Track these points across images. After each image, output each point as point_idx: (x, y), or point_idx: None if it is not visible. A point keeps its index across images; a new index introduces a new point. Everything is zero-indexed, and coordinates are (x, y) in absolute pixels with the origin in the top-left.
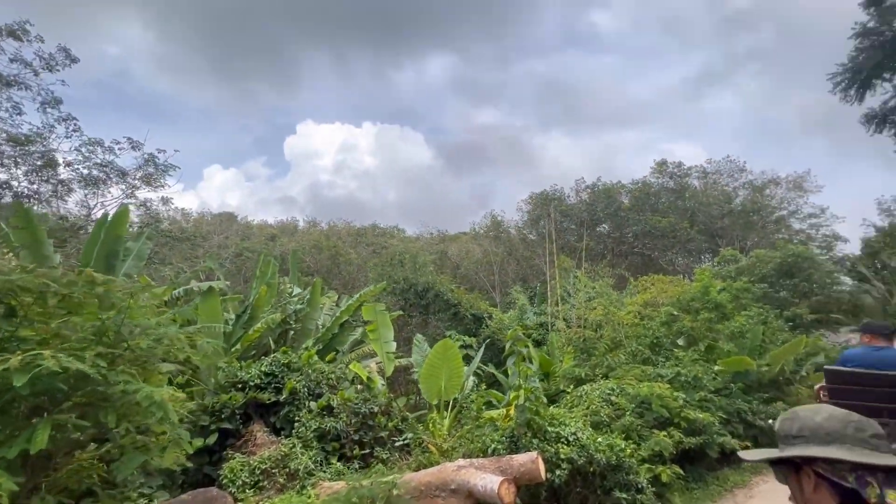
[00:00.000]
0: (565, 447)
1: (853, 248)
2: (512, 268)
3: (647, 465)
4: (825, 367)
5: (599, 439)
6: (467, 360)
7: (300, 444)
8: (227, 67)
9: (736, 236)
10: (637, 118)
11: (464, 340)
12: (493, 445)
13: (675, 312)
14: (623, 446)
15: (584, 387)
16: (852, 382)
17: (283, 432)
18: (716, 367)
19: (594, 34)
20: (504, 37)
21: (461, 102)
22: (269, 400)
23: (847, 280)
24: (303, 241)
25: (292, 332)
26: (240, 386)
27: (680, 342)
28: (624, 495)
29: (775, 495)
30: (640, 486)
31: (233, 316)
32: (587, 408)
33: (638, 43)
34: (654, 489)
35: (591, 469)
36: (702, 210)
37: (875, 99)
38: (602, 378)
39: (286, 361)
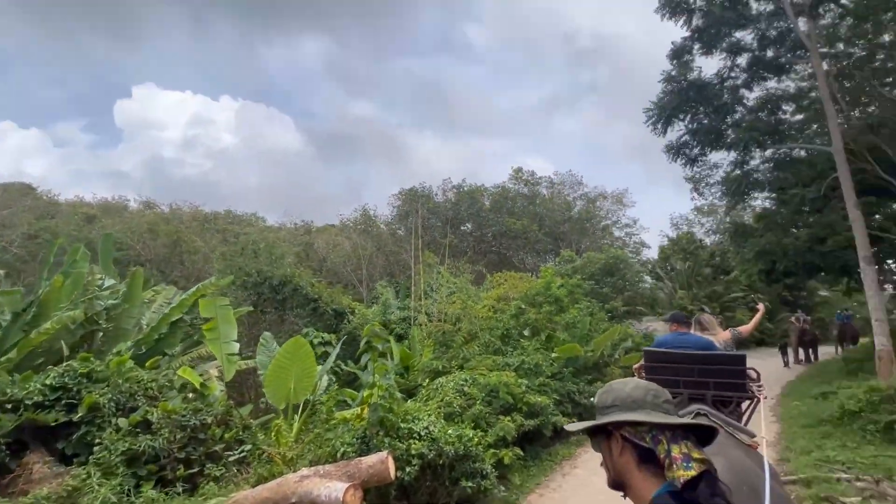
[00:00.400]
0: (417, 443)
1: (653, 253)
2: (381, 262)
3: (492, 451)
4: (644, 348)
5: (450, 431)
6: (326, 358)
7: (99, 473)
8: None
9: (574, 240)
10: (501, 129)
11: (322, 337)
12: (343, 449)
13: (523, 306)
14: (471, 435)
15: (440, 379)
16: (662, 360)
17: (75, 460)
18: (553, 355)
19: (467, 45)
20: (382, 30)
21: (336, 90)
22: (54, 421)
23: (648, 279)
24: (132, 225)
25: (101, 334)
26: (9, 406)
27: (526, 333)
28: (470, 483)
29: (594, 463)
30: (484, 473)
31: (7, 315)
32: (441, 400)
33: (504, 59)
34: (497, 472)
35: (441, 462)
36: (548, 216)
37: (674, 134)
38: (458, 369)
39: (85, 371)
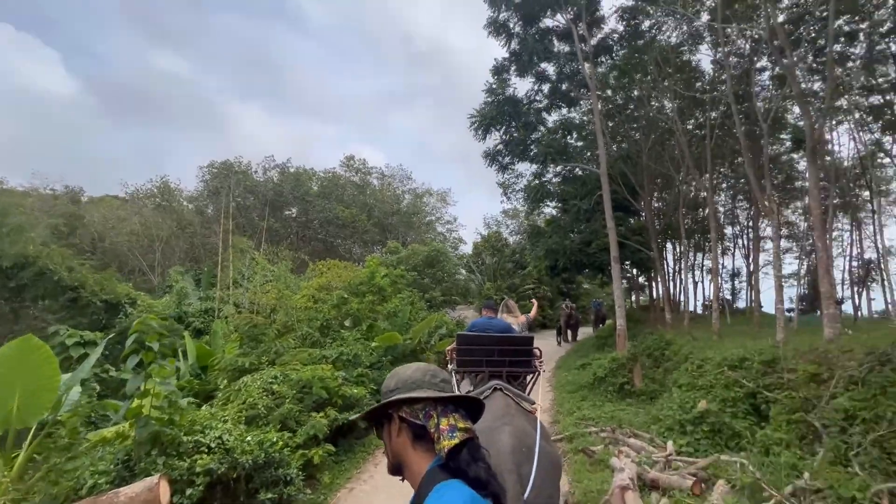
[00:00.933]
0: (205, 457)
1: (469, 248)
2: (182, 246)
3: (301, 452)
4: (457, 332)
5: (249, 438)
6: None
7: None
8: None
9: (401, 232)
10: (335, 114)
11: (82, 337)
12: (93, 481)
13: (346, 295)
14: (275, 440)
15: (245, 378)
16: (470, 342)
17: None
18: (373, 344)
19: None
20: None
21: (135, 35)
22: None
23: (463, 272)
24: None
25: None
26: None
27: (347, 323)
28: (270, 494)
29: None
30: (289, 479)
31: None
32: (244, 402)
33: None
34: (305, 473)
35: (235, 475)
36: (378, 206)
37: (491, 142)
38: (268, 366)
39: None
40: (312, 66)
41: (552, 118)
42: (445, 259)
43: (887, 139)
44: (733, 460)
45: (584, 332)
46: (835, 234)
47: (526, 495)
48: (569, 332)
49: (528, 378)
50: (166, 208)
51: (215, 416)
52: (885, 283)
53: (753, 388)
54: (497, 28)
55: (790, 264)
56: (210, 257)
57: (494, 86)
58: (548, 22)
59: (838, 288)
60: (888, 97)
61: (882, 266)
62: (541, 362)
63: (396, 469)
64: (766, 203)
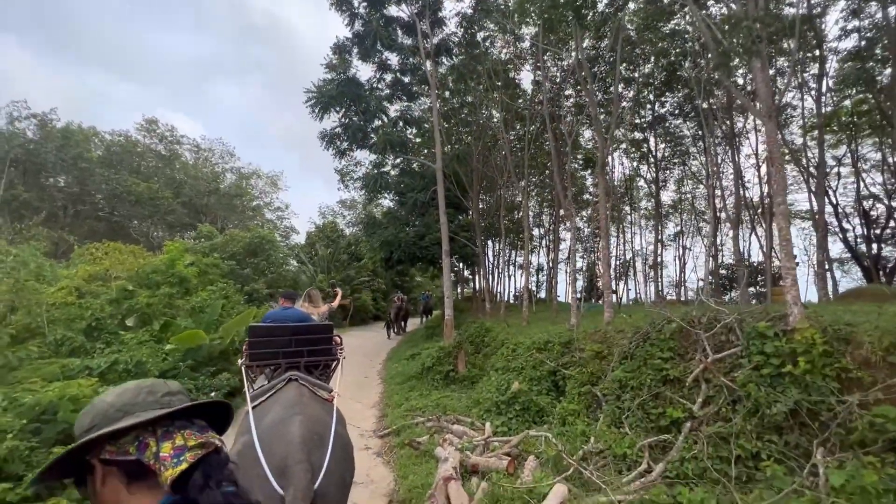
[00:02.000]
0: None
1: (302, 238)
2: None
3: None
4: (250, 325)
5: None
6: None
7: None
8: None
9: (220, 216)
10: (139, 74)
11: None
12: None
13: (131, 287)
14: None
15: None
16: (264, 335)
17: None
18: (167, 346)
19: None
20: None
21: None
22: None
23: (294, 263)
24: None
25: None
26: None
27: (130, 322)
28: None
29: None
30: None
31: None
32: None
33: None
34: None
35: None
36: (190, 184)
37: (329, 123)
38: None
39: None
40: (112, 8)
41: (393, 108)
42: (272, 247)
43: (643, 167)
44: (539, 434)
45: (414, 322)
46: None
47: (317, 484)
48: (400, 324)
49: (332, 366)
50: None
51: None
52: (635, 277)
53: (554, 367)
54: (341, 1)
55: (577, 262)
56: None
57: (335, 62)
58: (393, 10)
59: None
60: (644, 134)
61: (633, 264)
62: (341, 349)
63: None
64: (566, 208)
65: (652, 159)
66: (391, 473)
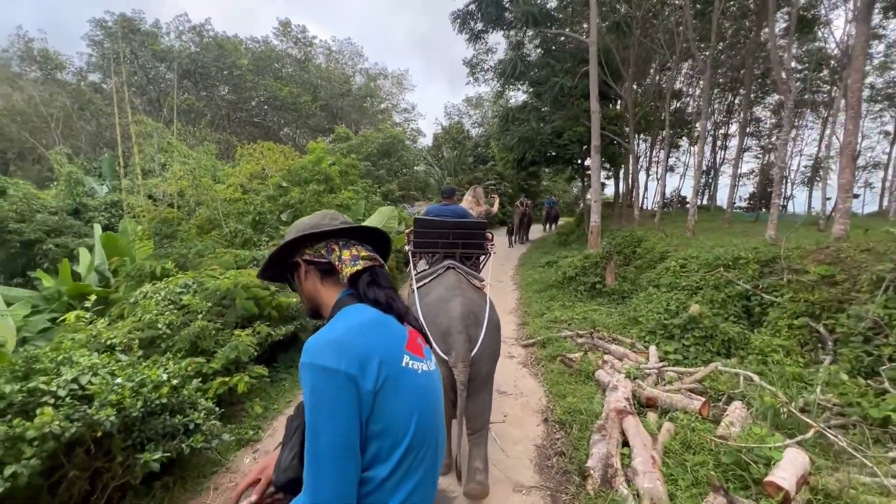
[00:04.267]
0: (48, 413)
1: (428, 141)
2: (88, 129)
3: (220, 380)
4: (415, 216)
5: (119, 380)
6: None
7: None
8: None
9: (353, 119)
10: None
11: None
12: None
13: (284, 184)
14: (166, 378)
15: (145, 287)
16: (427, 226)
17: None
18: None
19: None
20: None
21: None
22: None
23: (421, 166)
24: None
25: None
26: None
27: (286, 217)
28: (158, 455)
29: None
30: (190, 427)
31: None
32: (139, 320)
33: None
34: (227, 406)
35: (97, 433)
36: (324, 87)
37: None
38: (179, 271)
39: None
40: None
41: None
42: (403, 148)
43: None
44: (734, 371)
45: (537, 228)
46: (792, 132)
47: (473, 353)
48: (521, 233)
49: (481, 259)
50: (54, 82)
51: (77, 346)
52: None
53: (750, 290)
54: None
55: (748, 163)
56: (124, 142)
57: None
58: None
59: (787, 187)
60: None
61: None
62: (492, 245)
63: (314, 312)
64: (783, 81)
65: None
66: (541, 388)
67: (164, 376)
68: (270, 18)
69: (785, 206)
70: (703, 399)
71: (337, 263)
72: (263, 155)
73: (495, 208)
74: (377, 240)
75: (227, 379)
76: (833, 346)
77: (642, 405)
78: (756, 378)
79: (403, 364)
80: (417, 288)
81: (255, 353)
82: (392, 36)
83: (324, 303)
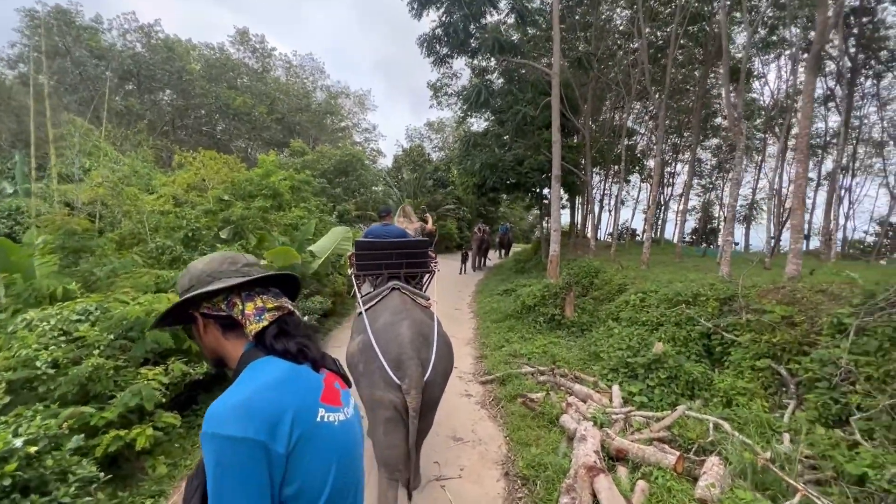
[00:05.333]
0: None
1: (388, 162)
2: (10, 127)
3: (112, 434)
4: (355, 239)
5: None
6: None
7: None
8: None
9: (311, 135)
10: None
11: None
12: None
13: (226, 197)
14: (20, 445)
15: (30, 314)
16: (367, 248)
17: None
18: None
19: None
20: None
21: None
22: None
23: (381, 187)
24: None
25: None
26: None
27: (224, 235)
28: None
29: None
30: None
31: None
32: (13, 355)
33: None
34: (120, 467)
35: None
36: (282, 101)
37: (427, 26)
38: (86, 293)
39: None
40: None
41: (503, 2)
42: (362, 167)
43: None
44: (703, 417)
45: (490, 255)
46: (730, 174)
47: (426, 377)
48: (483, 258)
49: (426, 278)
50: None
51: None
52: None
53: (711, 328)
54: None
55: (690, 200)
56: (44, 143)
57: None
58: None
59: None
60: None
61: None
62: (435, 262)
63: (217, 363)
64: (733, 123)
65: (833, 67)
66: (500, 433)
67: (17, 442)
68: (227, 28)
69: (709, 243)
70: (678, 454)
71: (240, 318)
72: (204, 164)
73: (430, 225)
74: (284, 280)
75: (122, 432)
76: (796, 391)
77: (611, 458)
78: (727, 426)
79: (318, 419)
80: (365, 311)
81: (163, 399)
82: (355, 56)
83: (228, 355)
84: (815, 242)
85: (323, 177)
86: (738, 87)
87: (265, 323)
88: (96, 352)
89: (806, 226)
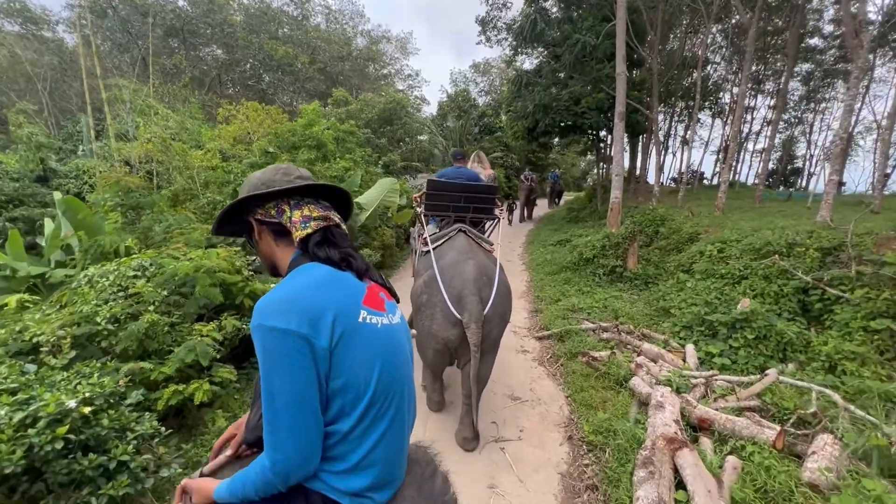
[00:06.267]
0: None
1: (433, 109)
2: (78, 89)
3: (172, 388)
4: (427, 178)
5: (1, 413)
6: None
7: None
8: None
9: (353, 84)
10: None
11: None
12: None
13: (271, 150)
14: (75, 406)
15: (91, 270)
16: (439, 188)
17: None
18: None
19: None
20: None
21: None
22: None
23: (424, 136)
24: None
25: None
26: None
27: None
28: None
29: None
30: (110, 468)
31: None
32: (73, 312)
33: None
34: (181, 420)
35: None
36: (323, 49)
37: None
38: (142, 249)
39: None
40: None
41: None
42: (407, 115)
43: None
44: (804, 385)
45: (541, 205)
46: (822, 104)
47: (485, 311)
48: (532, 208)
49: (488, 224)
50: (34, 38)
51: (2, 341)
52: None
53: (810, 282)
54: None
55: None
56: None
57: None
58: None
59: (811, 164)
60: None
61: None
62: (501, 210)
63: (273, 271)
64: (859, 31)
65: None
66: (561, 393)
67: (71, 403)
68: None
69: (806, 185)
70: (778, 428)
71: (288, 225)
72: (248, 117)
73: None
74: (337, 197)
75: (181, 387)
76: None
77: (693, 427)
78: (837, 397)
79: (360, 319)
80: (433, 248)
81: (217, 355)
82: (397, 2)
83: (279, 261)
84: None
85: (367, 127)
86: None
87: (310, 230)
88: (151, 307)
89: None
